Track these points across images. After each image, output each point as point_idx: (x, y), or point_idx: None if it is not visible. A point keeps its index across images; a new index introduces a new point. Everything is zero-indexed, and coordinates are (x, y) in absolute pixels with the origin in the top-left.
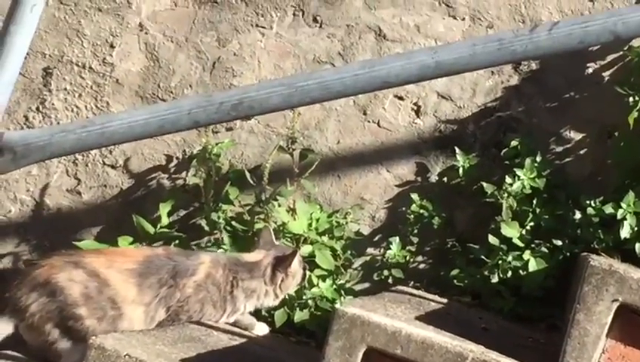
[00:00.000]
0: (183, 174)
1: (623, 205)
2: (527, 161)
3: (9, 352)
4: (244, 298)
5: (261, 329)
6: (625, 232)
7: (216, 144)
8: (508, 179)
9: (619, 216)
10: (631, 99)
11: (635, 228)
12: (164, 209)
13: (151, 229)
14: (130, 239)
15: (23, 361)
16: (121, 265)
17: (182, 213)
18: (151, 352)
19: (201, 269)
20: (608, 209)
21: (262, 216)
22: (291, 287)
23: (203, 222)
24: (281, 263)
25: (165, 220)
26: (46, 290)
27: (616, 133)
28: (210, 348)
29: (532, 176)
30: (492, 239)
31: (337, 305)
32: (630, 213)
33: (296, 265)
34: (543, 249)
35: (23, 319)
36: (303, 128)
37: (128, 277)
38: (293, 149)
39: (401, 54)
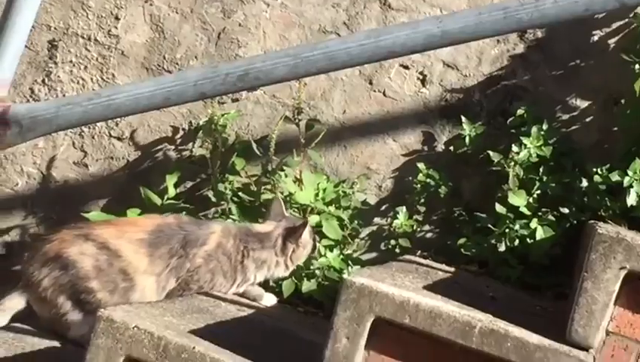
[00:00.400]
0: (190, 145)
1: (630, 172)
2: (534, 129)
3: (19, 325)
4: (254, 268)
5: (269, 299)
6: (631, 200)
7: (222, 115)
8: (514, 148)
9: (625, 184)
10: (637, 66)
11: None
12: (170, 180)
13: (158, 201)
14: (138, 211)
15: (33, 334)
16: (132, 235)
17: (189, 184)
18: (159, 324)
19: (212, 239)
20: (615, 176)
21: (268, 187)
22: (302, 258)
23: (210, 194)
24: (291, 234)
25: (172, 191)
26: (57, 264)
27: (622, 101)
28: (219, 319)
29: (538, 144)
30: (499, 208)
31: (345, 275)
32: (637, 180)
33: (306, 236)
34: (550, 217)
35: (35, 293)
36: (309, 98)
37: (139, 247)
38: (300, 120)
39: (406, 23)
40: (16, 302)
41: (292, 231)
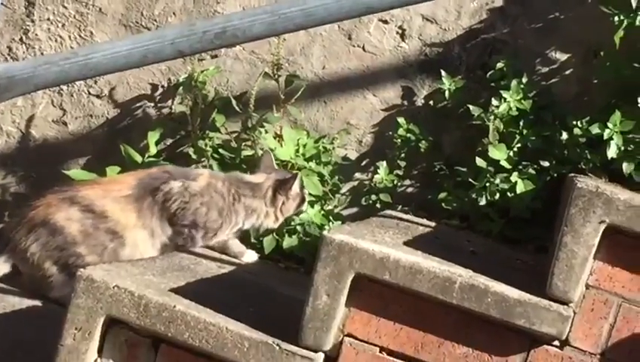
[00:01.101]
0: (169, 103)
1: (610, 125)
2: (514, 82)
3: (2, 285)
4: (244, 214)
5: (250, 256)
6: (612, 152)
7: (202, 71)
8: (494, 102)
9: (605, 136)
10: (616, 18)
11: (622, 148)
12: (152, 138)
13: (138, 158)
14: (118, 169)
15: (14, 293)
16: (116, 193)
17: (168, 141)
18: (140, 282)
19: (202, 178)
20: (595, 129)
21: (248, 143)
22: (292, 210)
23: (190, 150)
24: (282, 186)
25: (153, 149)
26: (45, 230)
27: (601, 53)
28: (200, 277)
29: (518, 97)
30: (479, 161)
31: (325, 232)
32: (616, 132)
33: (296, 189)
34: (531, 170)
35: (22, 258)
36: (288, 54)
37: (126, 204)
38: (279, 75)
39: None
40: (1, 266)
41: (282, 183)
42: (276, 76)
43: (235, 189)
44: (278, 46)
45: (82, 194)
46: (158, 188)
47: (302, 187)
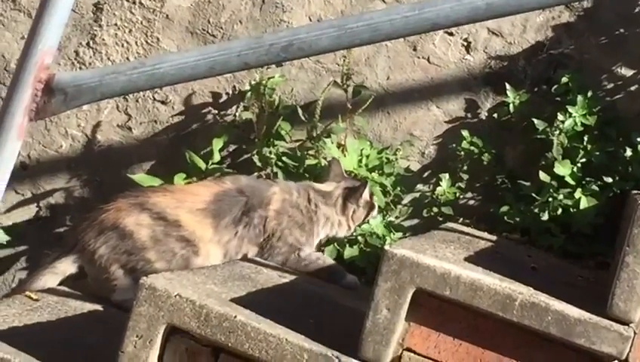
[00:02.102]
0: (233, 110)
1: None
2: (579, 97)
3: (62, 288)
4: (323, 223)
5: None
6: None
7: (269, 79)
8: (560, 116)
9: None
10: None
11: None
12: (217, 145)
13: (202, 165)
14: (184, 176)
15: (76, 297)
16: (191, 205)
17: (231, 148)
18: (201, 292)
19: (275, 199)
20: None
21: (312, 153)
22: (362, 218)
23: (255, 158)
24: (352, 194)
25: (217, 156)
26: (114, 234)
27: None
28: (260, 286)
29: (583, 113)
30: (543, 176)
31: (387, 246)
32: None
33: (366, 197)
34: (594, 187)
35: (89, 260)
36: (353, 64)
37: (203, 218)
38: (348, 85)
39: None
40: (68, 266)
41: (352, 191)
42: (345, 86)
43: (312, 196)
44: (348, 56)
45: (153, 201)
46: (241, 220)
47: (371, 194)
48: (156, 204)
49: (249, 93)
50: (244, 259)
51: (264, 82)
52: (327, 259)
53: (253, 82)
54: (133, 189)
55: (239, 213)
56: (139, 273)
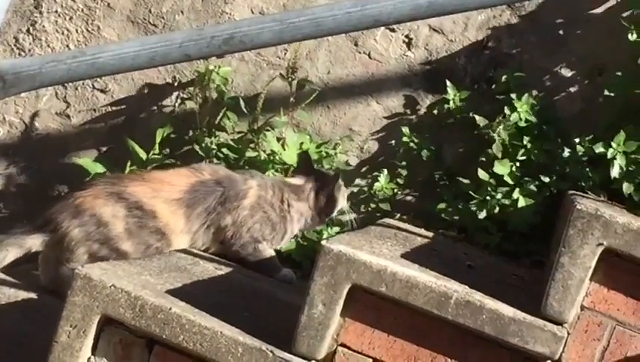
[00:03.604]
0: (172, 100)
1: (613, 145)
2: (525, 95)
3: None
4: (297, 219)
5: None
6: (615, 172)
7: (213, 69)
8: (506, 111)
9: (609, 156)
10: (630, 36)
11: (624, 168)
12: (158, 135)
13: (143, 155)
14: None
15: (10, 284)
16: (167, 194)
17: (170, 138)
18: (137, 283)
19: (251, 193)
20: (599, 148)
21: (252, 145)
22: (335, 210)
23: (197, 148)
24: (323, 187)
25: (157, 147)
26: (91, 220)
27: (611, 72)
28: (196, 278)
29: (527, 109)
30: (482, 174)
31: (324, 242)
32: (620, 152)
33: (338, 189)
34: (532, 187)
35: (60, 241)
36: (294, 58)
37: (177, 208)
38: (293, 79)
39: None
40: (36, 242)
41: (324, 184)
42: (289, 79)
43: (285, 195)
44: (296, 50)
45: (130, 191)
46: (214, 210)
47: (343, 187)
48: (132, 193)
49: (195, 83)
50: (181, 250)
51: (215, 71)
52: (268, 251)
53: (199, 71)
54: (111, 175)
55: (214, 203)
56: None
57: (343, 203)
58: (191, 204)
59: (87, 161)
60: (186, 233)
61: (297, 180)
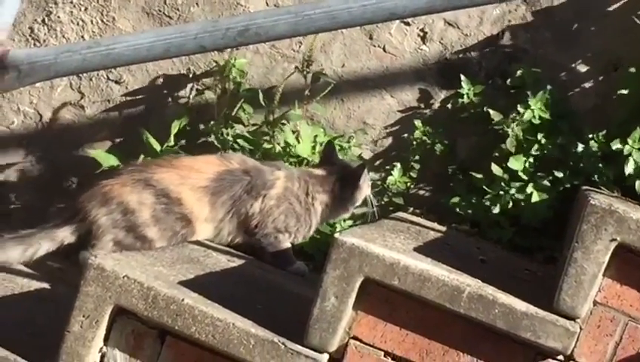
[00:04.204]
0: (187, 92)
1: (630, 141)
2: (540, 92)
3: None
4: (320, 211)
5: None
6: (630, 168)
7: (235, 59)
8: (519, 108)
9: (625, 152)
10: None
11: (639, 165)
12: (175, 127)
13: (157, 146)
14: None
15: (24, 275)
16: (194, 181)
17: (185, 130)
18: (149, 274)
19: (279, 184)
20: (616, 144)
21: (267, 138)
22: (360, 200)
23: (212, 139)
24: (349, 177)
25: (172, 137)
26: (118, 208)
27: (626, 68)
28: (209, 270)
29: (541, 106)
30: (496, 169)
31: (336, 234)
32: (636, 149)
33: (364, 179)
34: (545, 182)
35: (88, 229)
36: (309, 51)
37: (203, 195)
38: (308, 71)
39: None
40: (67, 234)
41: (350, 174)
42: (305, 72)
43: (310, 188)
44: (309, 43)
45: (157, 178)
46: (240, 198)
47: (367, 176)
48: (160, 180)
49: (213, 74)
50: (194, 241)
51: (232, 62)
52: (287, 243)
53: (217, 62)
54: (139, 162)
55: (240, 191)
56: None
57: (367, 191)
58: (217, 191)
59: (100, 152)
60: (211, 221)
61: (322, 171)
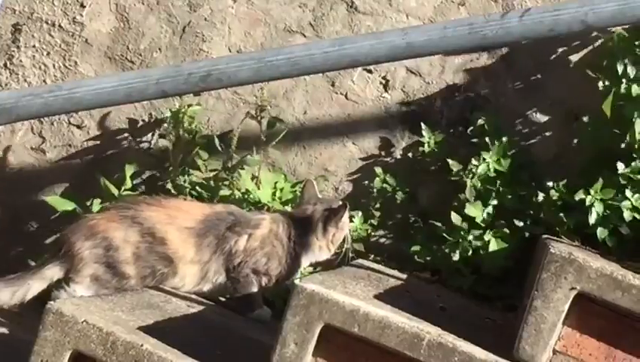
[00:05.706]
0: (149, 137)
1: (592, 192)
2: (495, 143)
3: None
4: (304, 254)
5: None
6: (592, 218)
7: (188, 107)
8: (474, 161)
9: (587, 203)
10: (600, 83)
11: (600, 214)
12: (128, 171)
13: (115, 191)
14: (99, 201)
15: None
16: (181, 222)
17: (146, 175)
18: (108, 319)
19: (264, 224)
20: (579, 195)
21: (226, 183)
22: (341, 240)
23: (169, 186)
24: (332, 217)
25: (129, 182)
26: (102, 243)
27: (584, 118)
28: (168, 316)
29: (497, 158)
30: (455, 217)
31: (297, 281)
32: (598, 199)
33: (346, 219)
34: (505, 230)
35: (72, 264)
36: (271, 97)
37: (188, 236)
38: (262, 117)
39: (371, 34)
40: (55, 271)
41: (332, 214)
42: (259, 118)
43: (292, 231)
44: (262, 89)
45: (145, 216)
46: (224, 237)
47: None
48: (147, 218)
49: (167, 121)
50: (153, 287)
51: (183, 110)
52: (257, 286)
53: (173, 109)
54: (128, 199)
55: (224, 229)
56: (106, 284)
57: (346, 231)
58: (202, 233)
59: (55, 198)
60: (197, 263)
61: (304, 210)
